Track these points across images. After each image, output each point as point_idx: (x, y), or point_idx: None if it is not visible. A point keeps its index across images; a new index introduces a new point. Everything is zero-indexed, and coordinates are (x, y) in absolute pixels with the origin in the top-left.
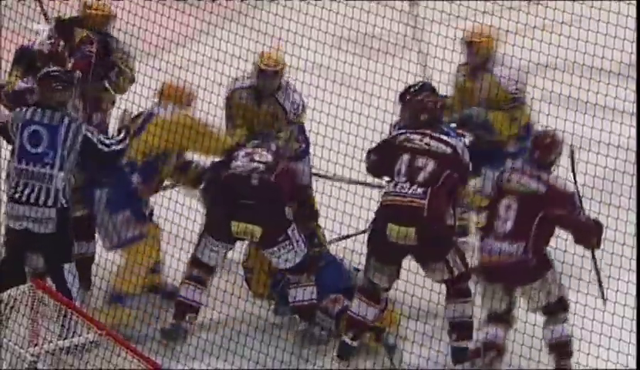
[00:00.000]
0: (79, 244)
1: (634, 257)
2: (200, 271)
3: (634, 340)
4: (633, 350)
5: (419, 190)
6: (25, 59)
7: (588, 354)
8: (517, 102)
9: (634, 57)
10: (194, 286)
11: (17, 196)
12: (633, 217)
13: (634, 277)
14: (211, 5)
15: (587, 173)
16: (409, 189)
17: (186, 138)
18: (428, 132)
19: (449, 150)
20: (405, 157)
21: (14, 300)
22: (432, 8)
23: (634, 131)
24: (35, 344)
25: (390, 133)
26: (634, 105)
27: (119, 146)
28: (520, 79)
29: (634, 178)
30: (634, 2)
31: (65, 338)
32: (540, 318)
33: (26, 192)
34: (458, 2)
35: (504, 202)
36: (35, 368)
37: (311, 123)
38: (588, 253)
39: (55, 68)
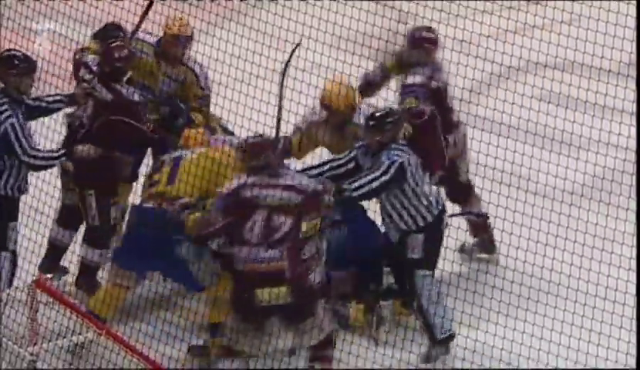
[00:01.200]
0: (57, 229)
1: (634, 256)
2: None
3: (634, 340)
4: (633, 350)
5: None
6: None
7: (587, 353)
8: None
9: (633, 56)
10: None
11: None
12: (633, 217)
13: (633, 277)
14: (210, 4)
15: (586, 172)
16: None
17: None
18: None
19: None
20: (259, 217)
21: (13, 299)
22: (432, 8)
23: (633, 130)
24: (35, 344)
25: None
26: (634, 104)
27: (40, 162)
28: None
29: (634, 177)
30: (635, 2)
31: (64, 337)
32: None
33: None
34: (458, 2)
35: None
36: (34, 368)
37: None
38: (589, 254)
39: (13, 51)
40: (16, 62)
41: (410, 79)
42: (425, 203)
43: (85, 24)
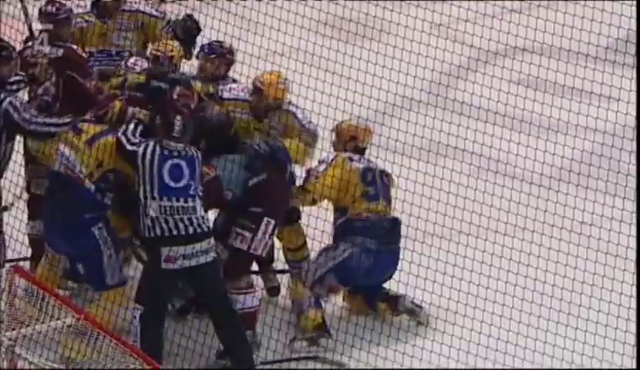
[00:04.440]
0: (32, 223)
1: (614, 240)
2: None
3: (633, 340)
4: (633, 350)
5: None
6: None
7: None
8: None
9: (611, 41)
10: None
11: None
12: (610, 200)
13: (631, 278)
14: None
15: (564, 156)
16: None
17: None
18: None
19: None
20: None
21: None
22: None
23: (611, 114)
24: (13, 329)
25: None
26: (613, 89)
27: (46, 128)
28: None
29: (611, 162)
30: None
31: (42, 322)
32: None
33: None
34: None
35: None
36: (12, 352)
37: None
38: (585, 243)
39: None
40: None
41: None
42: None
43: None
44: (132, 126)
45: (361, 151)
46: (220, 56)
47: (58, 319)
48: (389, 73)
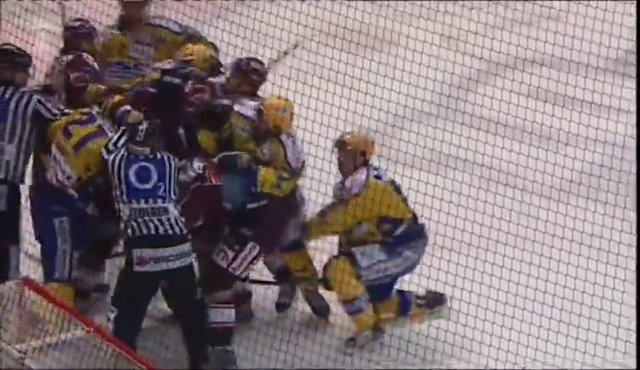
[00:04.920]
0: None
1: (632, 255)
2: None
3: (633, 339)
4: (633, 350)
5: None
6: None
7: (585, 352)
8: None
9: (620, 53)
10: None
11: None
12: (620, 213)
13: (622, 274)
14: (199, 2)
15: (573, 168)
16: None
17: None
18: None
19: None
20: None
21: (1, 296)
22: (420, 5)
23: (620, 126)
24: (23, 341)
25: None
26: (622, 100)
27: None
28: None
29: (620, 174)
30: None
31: (52, 335)
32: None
33: None
34: None
35: None
36: (22, 364)
37: (298, 119)
38: (589, 255)
39: (7, 46)
40: (10, 55)
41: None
42: None
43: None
44: (116, 136)
45: (367, 163)
46: (242, 74)
47: (68, 331)
48: (398, 85)
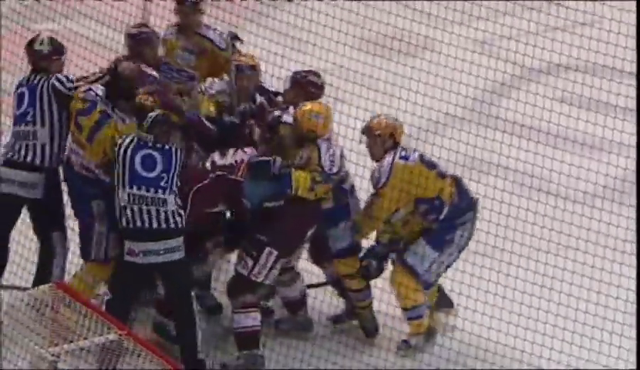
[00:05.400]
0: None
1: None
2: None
3: (617, 330)
4: (633, 349)
5: None
6: None
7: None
8: None
9: None
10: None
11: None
12: None
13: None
14: (231, 6)
15: (607, 174)
16: None
17: None
18: None
19: None
20: None
21: (34, 299)
22: (453, 10)
23: None
24: (56, 344)
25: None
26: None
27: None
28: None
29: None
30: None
31: (85, 338)
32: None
33: (17, 154)
34: (477, 3)
35: None
36: (55, 368)
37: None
38: (622, 260)
39: (42, 36)
40: (43, 45)
41: None
42: None
43: (83, 24)
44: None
45: (396, 146)
46: (299, 87)
47: (101, 335)
48: (432, 90)
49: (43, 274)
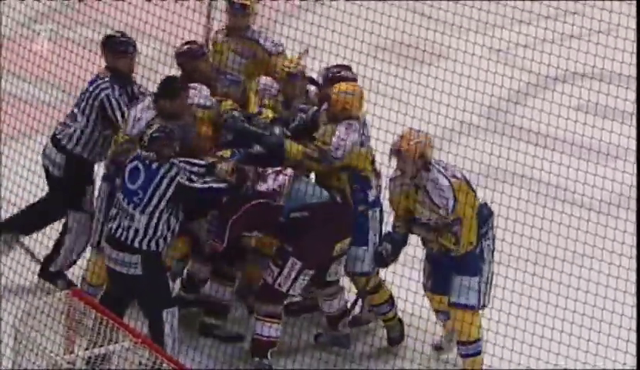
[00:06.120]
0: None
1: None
2: None
3: (634, 339)
4: (633, 349)
5: None
6: None
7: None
8: None
9: None
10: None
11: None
12: None
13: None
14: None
15: (623, 182)
16: None
17: None
18: None
19: None
20: None
21: (50, 307)
22: (469, 18)
23: None
24: (71, 352)
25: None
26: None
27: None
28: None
29: None
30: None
31: (100, 346)
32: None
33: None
34: (494, 11)
35: None
36: None
37: None
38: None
39: (112, 34)
40: (113, 43)
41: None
42: None
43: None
44: None
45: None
46: (331, 83)
47: (115, 342)
48: (448, 98)
49: (50, 254)
